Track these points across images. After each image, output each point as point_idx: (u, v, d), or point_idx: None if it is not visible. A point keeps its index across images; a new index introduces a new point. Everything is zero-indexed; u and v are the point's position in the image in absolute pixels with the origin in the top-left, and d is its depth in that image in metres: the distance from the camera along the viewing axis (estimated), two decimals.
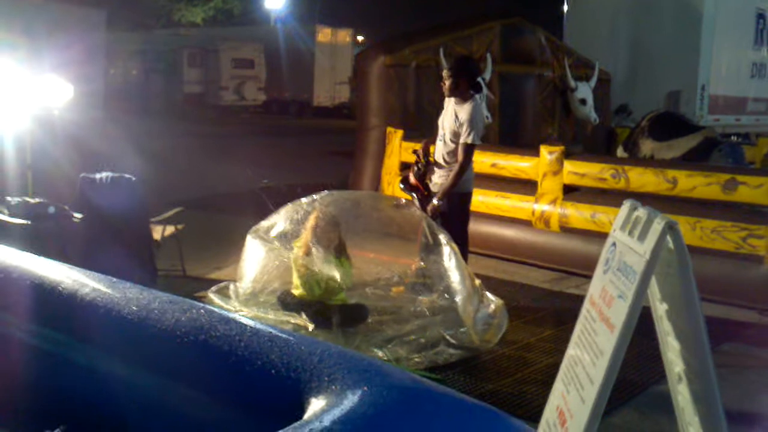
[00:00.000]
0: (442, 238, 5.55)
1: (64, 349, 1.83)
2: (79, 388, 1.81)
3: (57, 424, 1.85)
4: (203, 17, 34.36)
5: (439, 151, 5.99)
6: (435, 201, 5.84)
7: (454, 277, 5.45)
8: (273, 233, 5.64)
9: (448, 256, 5.51)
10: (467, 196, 6.03)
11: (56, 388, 1.86)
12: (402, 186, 6.24)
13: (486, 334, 5.32)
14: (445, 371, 4.70)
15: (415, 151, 6.35)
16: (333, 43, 31.25)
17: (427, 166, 6.06)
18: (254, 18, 37.69)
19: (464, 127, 5.73)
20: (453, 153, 5.87)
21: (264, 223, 5.72)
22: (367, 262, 6.20)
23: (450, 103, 5.94)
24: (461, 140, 5.77)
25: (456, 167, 5.80)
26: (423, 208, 5.89)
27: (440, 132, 6.01)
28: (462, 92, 5.83)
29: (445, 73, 5.95)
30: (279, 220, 5.68)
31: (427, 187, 6.01)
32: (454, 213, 5.89)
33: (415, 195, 6.06)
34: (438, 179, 5.96)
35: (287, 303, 5.28)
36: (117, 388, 1.72)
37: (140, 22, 31.91)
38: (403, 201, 6.09)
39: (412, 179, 6.11)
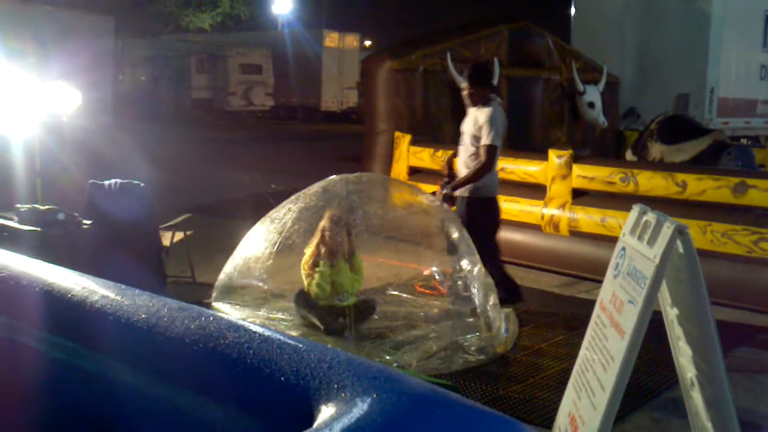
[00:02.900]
0: (464, 242, 5.52)
1: (73, 357, 1.83)
2: (88, 396, 1.81)
3: (65, 430, 1.85)
4: (211, 23, 34.47)
5: (462, 157, 5.93)
6: (446, 190, 5.80)
7: (476, 283, 5.43)
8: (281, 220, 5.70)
9: (469, 262, 5.49)
10: (490, 202, 5.88)
11: (65, 396, 1.86)
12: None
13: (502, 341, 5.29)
14: (456, 377, 4.68)
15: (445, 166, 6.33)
16: (340, 48, 31.30)
17: (451, 179, 5.99)
18: (262, 23, 37.81)
19: (484, 129, 5.66)
20: (475, 156, 5.80)
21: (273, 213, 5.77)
22: (378, 267, 6.21)
23: (471, 109, 5.91)
24: (482, 142, 5.68)
25: (476, 165, 5.71)
26: None
27: (462, 138, 5.97)
28: (484, 99, 5.79)
29: (463, 85, 5.94)
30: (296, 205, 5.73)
31: (454, 199, 5.92)
32: (476, 218, 5.76)
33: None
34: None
35: (300, 302, 5.29)
36: (126, 396, 1.72)
37: (148, 29, 32.04)
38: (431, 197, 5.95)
39: (439, 192, 6.03)
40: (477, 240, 5.65)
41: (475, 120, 5.77)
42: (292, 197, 5.83)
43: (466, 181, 5.75)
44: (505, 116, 5.89)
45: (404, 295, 6.10)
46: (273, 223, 5.72)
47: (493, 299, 5.30)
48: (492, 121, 5.65)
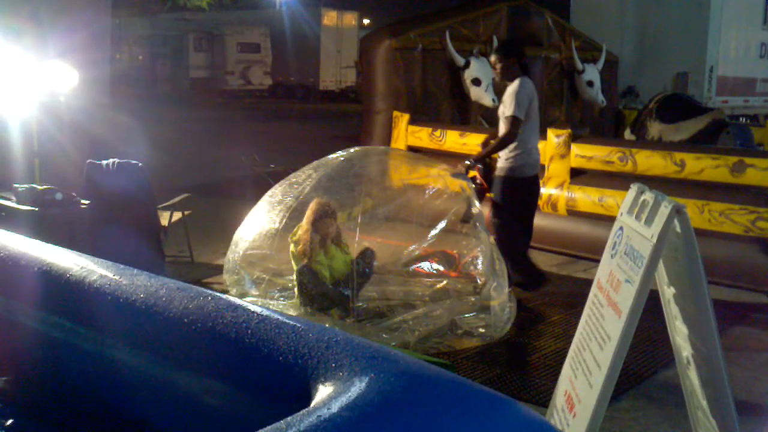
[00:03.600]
0: (479, 218, 5.51)
1: (72, 336, 1.84)
2: (87, 374, 1.82)
3: (64, 410, 1.86)
4: (209, 1, 34.23)
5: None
6: (468, 161, 5.70)
7: (480, 263, 5.41)
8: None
9: (477, 241, 5.46)
10: (526, 181, 5.67)
11: (64, 375, 1.87)
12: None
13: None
14: (453, 356, 4.70)
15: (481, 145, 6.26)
16: (339, 27, 31.11)
17: (486, 160, 5.88)
18: (260, 2, 37.54)
19: (506, 101, 5.56)
20: None
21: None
22: (377, 247, 6.18)
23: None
24: (504, 114, 5.56)
25: (498, 139, 5.60)
26: (479, 200, 5.72)
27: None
28: (512, 73, 5.67)
29: (493, 58, 5.83)
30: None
31: (490, 182, 5.80)
32: (508, 198, 5.63)
33: (473, 186, 5.81)
34: (499, 164, 5.73)
35: (304, 284, 5.26)
36: (125, 375, 1.73)
37: (146, 7, 31.82)
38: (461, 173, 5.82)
39: (476, 174, 5.93)
40: (507, 220, 5.57)
41: (504, 97, 5.68)
42: (314, 163, 5.81)
43: (488, 152, 5.68)
44: (535, 91, 5.70)
45: (404, 275, 6.11)
46: (291, 188, 5.71)
47: (497, 280, 5.30)
48: (516, 93, 5.51)
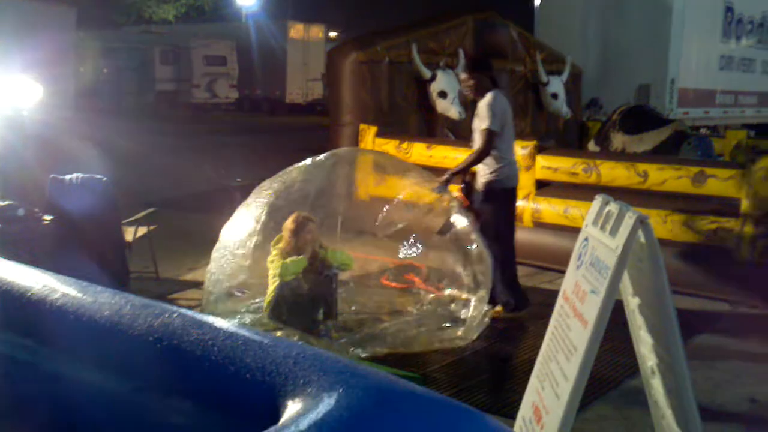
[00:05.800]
0: (455, 231, 5.50)
1: (32, 356, 1.81)
2: (49, 395, 1.79)
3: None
4: (175, 14, 34.04)
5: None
6: (446, 175, 5.70)
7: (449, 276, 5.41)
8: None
9: (463, 255, 5.45)
10: (507, 193, 5.76)
11: (25, 396, 1.84)
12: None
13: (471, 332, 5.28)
14: (422, 369, 4.70)
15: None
16: (305, 40, 31.12)
17: (470, 176, 5.89)
18: (226, 14, 37.45)
19: (481, 114, 5.57)
20: None
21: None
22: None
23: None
24: (480, 127, 5.58)
25: (474, 152, 5.62)
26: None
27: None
28: (484, 88, 5.68)
29: (463, 77, 5.83)
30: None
31: (471, 200, 5.81)
32: (491, 210, 5.67)
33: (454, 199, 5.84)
34: (479, 179, 5.75)
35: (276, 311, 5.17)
36: (88, 395, 1.70)
37: (111, 20, 31.55)
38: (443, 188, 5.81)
39: (457, 189, 5.94)
40: (492, 233, 5.57)
41: (478, 111, 5.69)
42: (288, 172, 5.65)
43: (465, 166, 5.69)
44: (508, 103, 5.72)
45: (372, 288, 6.11)
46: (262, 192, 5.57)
47: (477, 294, 5.29)
48: (490, 106, 5.54)
